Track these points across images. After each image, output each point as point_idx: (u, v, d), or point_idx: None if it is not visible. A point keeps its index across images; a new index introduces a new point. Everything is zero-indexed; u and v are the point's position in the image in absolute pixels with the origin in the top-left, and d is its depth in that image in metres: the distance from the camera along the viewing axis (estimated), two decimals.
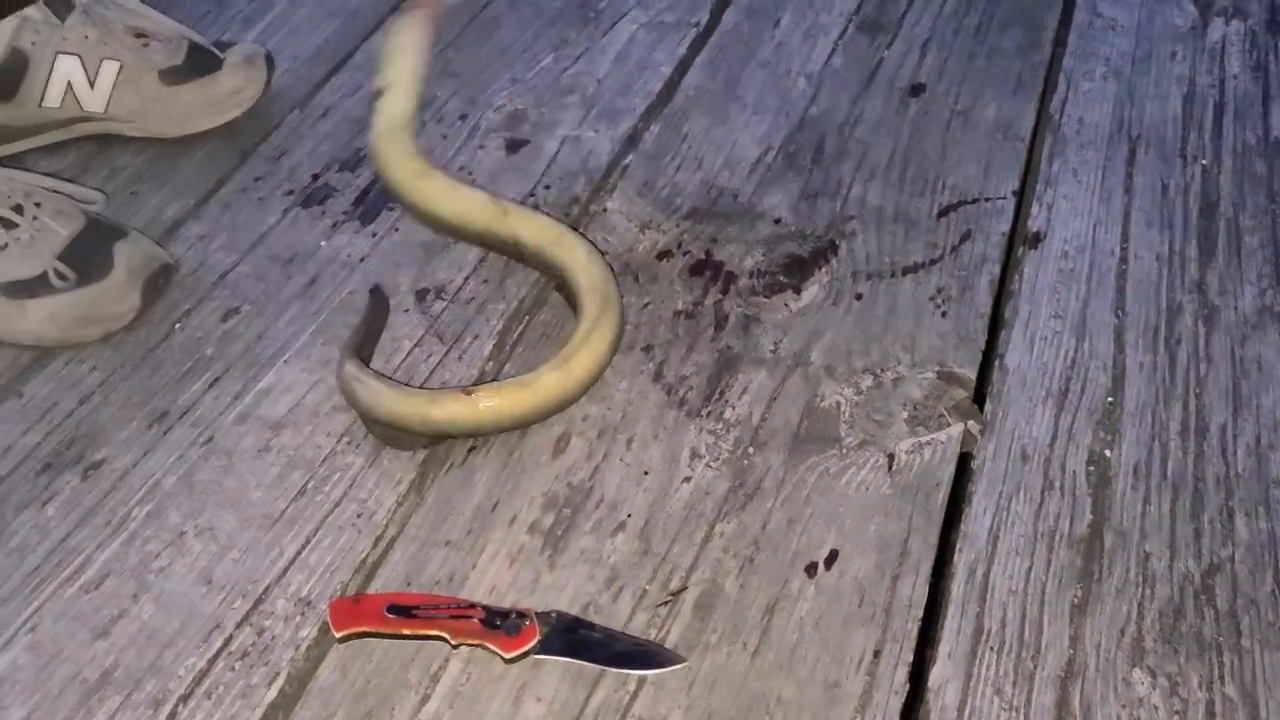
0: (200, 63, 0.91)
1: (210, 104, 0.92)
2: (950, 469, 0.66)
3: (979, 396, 0.70)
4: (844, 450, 0.68)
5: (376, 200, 0.88)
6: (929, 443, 0.68)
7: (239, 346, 0.77)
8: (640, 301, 0.78)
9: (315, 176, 0.91)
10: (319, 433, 0.71)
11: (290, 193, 0.89)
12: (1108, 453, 0.66)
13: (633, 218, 0.85)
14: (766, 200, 0.85)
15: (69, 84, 0.87)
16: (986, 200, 0.83)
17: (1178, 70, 0.93)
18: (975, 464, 0.67)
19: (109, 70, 0.87)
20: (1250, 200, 0.81)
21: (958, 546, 0.62)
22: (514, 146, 0.92)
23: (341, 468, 0.69)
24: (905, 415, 0.69)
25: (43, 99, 0.87)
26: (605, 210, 0.86)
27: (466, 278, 0.81)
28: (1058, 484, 0.65)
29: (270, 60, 0.96)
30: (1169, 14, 0.99)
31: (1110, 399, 0.69)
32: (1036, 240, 0.80)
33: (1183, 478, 0.65)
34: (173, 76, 0.90)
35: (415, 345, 0.76)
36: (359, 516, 0.66)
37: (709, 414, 0.71)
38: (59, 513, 0.67)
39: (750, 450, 0.68)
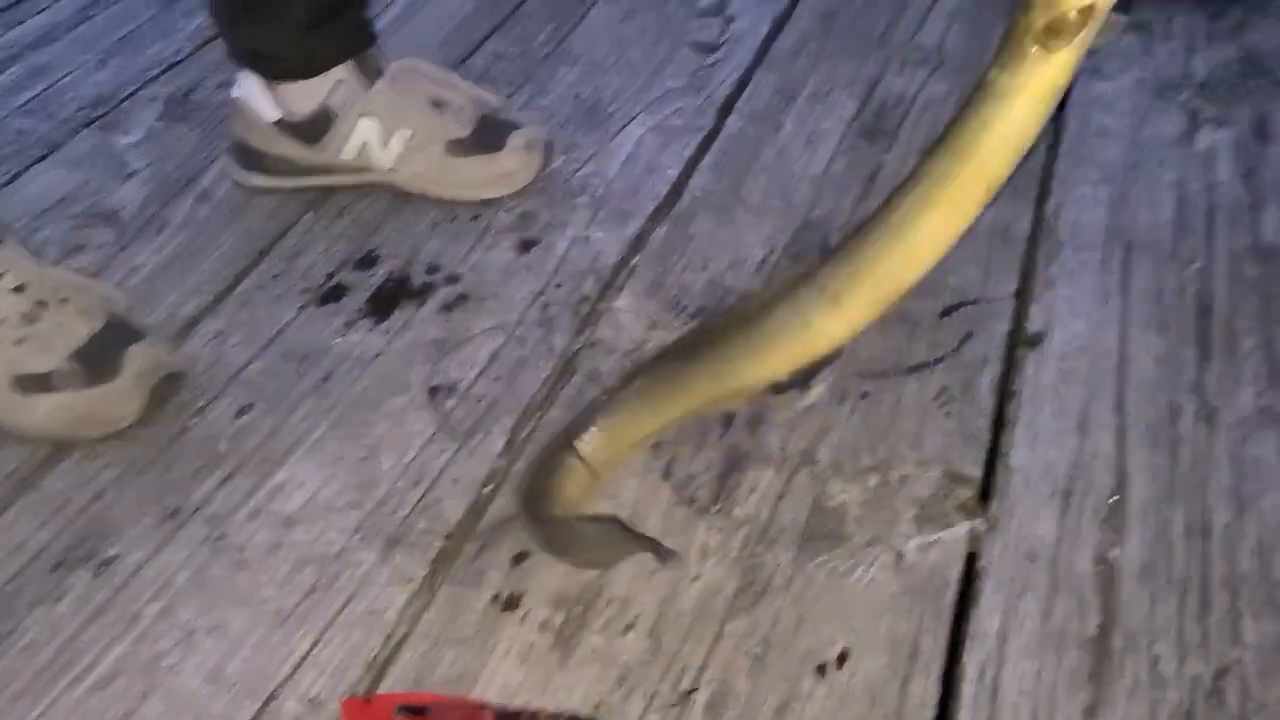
0: (485, 139, 0.99)
1: (485, 179, 1.00)
2: (958, 568, 0.67)
3: (984, 495, 0.71)
4: (852, 548, 0.68)
5: (388, 298, 0.90)
6: (936, 541, 0.68)
7: (252, 443, 0.78)
8: None
9: (330, 275, 0.93)
10: (331, 529, 0.72)
11: (305, 290, 0.91)
12: (1114, 553, 0.67)
13: (641, 316, 0.87)
14: None
15: (365, 142, 0.98)
16: (987, 301, 0.85)
17: (1169, 176, 0.96)
18: (982, 563, 0.67)
19: (400, 136, 0.97)
20: (1244, 303, 0.83)
21: (967, 647, 0.63)
22: (525, 246, 0.95)
23: (353, 564, 0.69)
24: (912, 514, 0.70)
25: (341, 150, 0.98)
26: (614, 309, 0.88)
27: (479, 375, 0.82)
28: (1065, 584, 0.65)
29: (550, 148, 1.02)
30: (1159, 122, 1.03)
31: (1114, 498, 0.70)
32: (1036, 341, 0.82)
33: (1189, 579, 0.65)
34: (457, 148, 0.98)
35: (427, 442, 0.77)
36: (370, 614, 0.66)
37: (718, 511, 0.71)
38: (70, 610, 0.67)
39: (759, 548, 0.69)
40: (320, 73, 0.96)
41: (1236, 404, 0.76)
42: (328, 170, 1.00)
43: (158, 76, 1.21)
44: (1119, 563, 0.66)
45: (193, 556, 0.70)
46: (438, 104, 0.99)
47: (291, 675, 0.63)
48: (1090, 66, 1.11)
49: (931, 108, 1.08)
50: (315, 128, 0.98)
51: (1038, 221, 0.93)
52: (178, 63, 1.24)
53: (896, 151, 1.02)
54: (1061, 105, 1.06)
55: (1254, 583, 0.65)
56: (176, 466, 0.77)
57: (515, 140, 0.99)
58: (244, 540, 0.71)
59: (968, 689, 0.61)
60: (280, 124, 0.98)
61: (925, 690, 0.60)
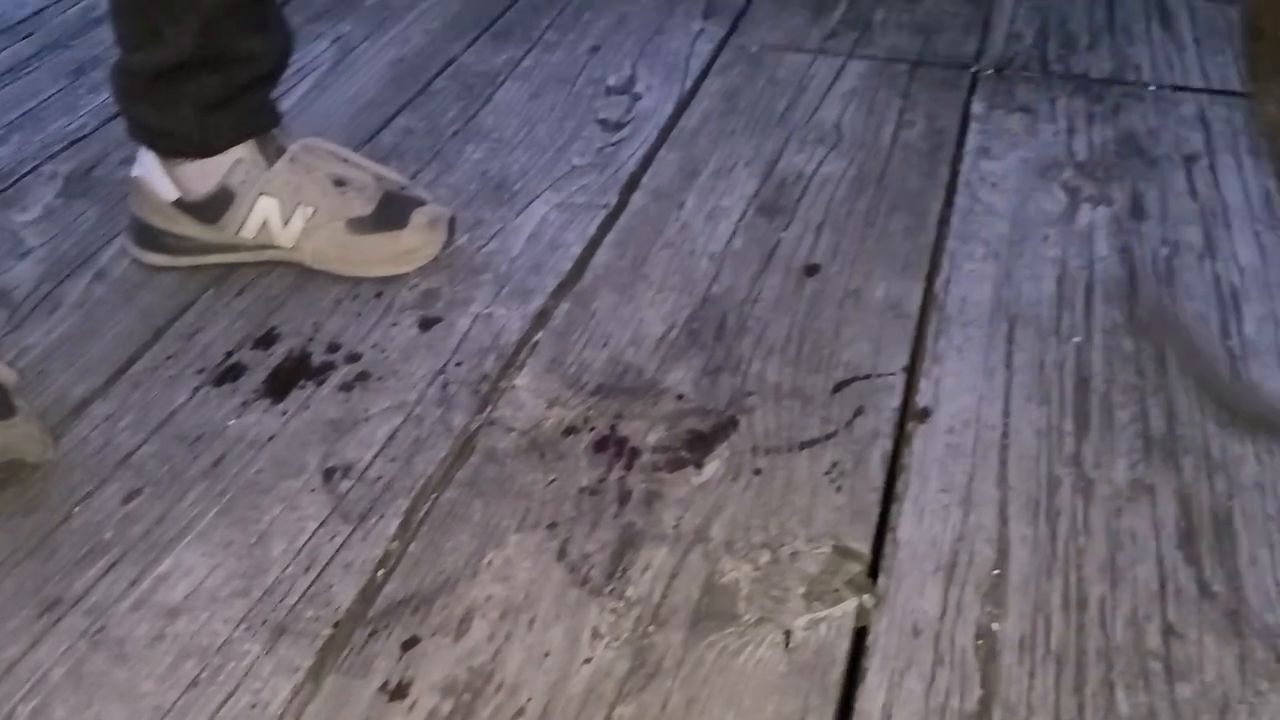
0: (388, 217, 1.00)
1: (387, 257, 1.00)
2: (846, 644, 0.68)
3: (873, 570, 0.72)
4: (742, 627, 0.69)
5: (287, 378, 0.89)
6: (825, 618, 0.69)
7: (139, 529, 0.77)
8: (546, 479, 0.80)
9: (228, 354, 0.92)
10: (216, 619, 0.70)
11: (201, 371, 0.90)
12: (995, 626, 0.68)
13: (541, 394, 0.87)
14: (670, 376, 0.89)
15: (265, 221, 0.98)
16: (878, 376, 0.87)
17: (1051, 252, 1.00)
18: (870, 639, 0.68)
19: (301, 214, 0.98)
20: (1120, 376, 0.86)
21: None
22: (427, 324, 0.95)
23: (237, 656, 0.68)
24: (802, 591, 0.71)
25: (240, 229, 0.99)
26: (514, 387, 0.88)
27: (375, 456, 0.82)
28: (948, 658, 0.67)
29: (453, 224, 1.04)
30: (1041, 200, 1.07)
31: (996, 571, 0.72)
32: (925, 415, 0.84)
33: (1066, 650, 0.67)
34: (359, 226, 0.99)
35: (320, 525, 0.77)
36: (253, 708, 0.65)
37: (611, 592, 0.72)
38: None
39: (651, 629, 0.69)
40: (219, 152, 0.97)
41: (1112, 476, 0.78)
42: (228, 249, 1.00)
43: (59, 152, 1.20)
44: (1000, 636, 0.68)
45: (70, 650, 0.69)
46: (339, 182, 1.00)
47: None
48: (978, 146, 1.16)
49: (828, 185, 1.11)
50: (214, 207, 0.98)
51: (928, 296, 0.96)
52: (81, 138, 1.23)
53: (794, 229, 1.05)
54: (951, 184, 1.10)
55: (1127, 654, 0.67)
56: (58, 555, 0.75)
57: (418, 218, 1.00)
58: (125, 633, 0.70)
59: None
60: (179, 203, 0.98)
61: None
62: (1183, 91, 1.23)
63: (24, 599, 0.72)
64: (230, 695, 0.66)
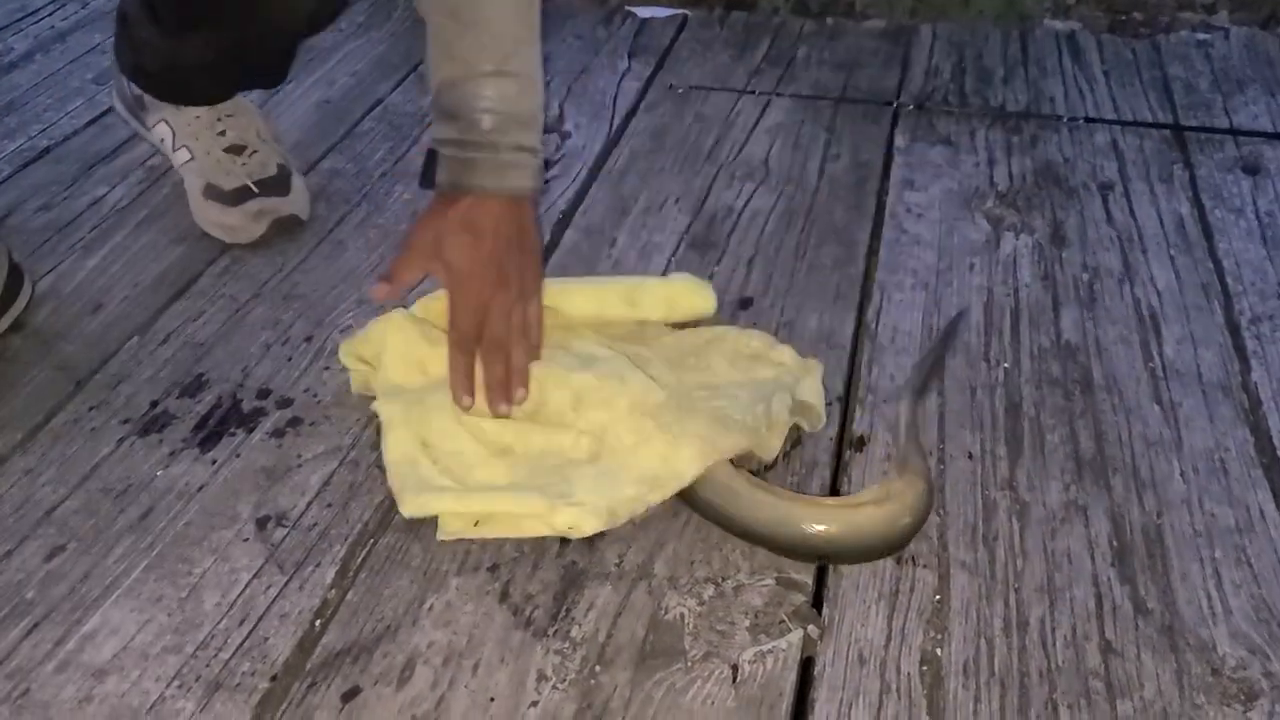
0: (235, 194, 1.07)
1: (211, 223, 1.09)
2: (793, 676, 0.68)
3: (817, 601, 0.73)
4: (689, 663, 0.68)
5: (216, 426, 0.87)
6: (771, 650, 0.69)
7: (63, 588, 0.74)
8: None
9: (154, 404, 0.90)
10: (146, 678, 0.68)
11: (126, 421, 0.88)
12: (938, 651, 0.69)
13: None
14: None
15: (163, 139, 1.14)
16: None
17: (976, 280, 1.02)
18: (816, 670, 0.68)
19: (181, 155, 1.11)
20: (1049, 400, 0.88)
21: None
22: None
23: (170, 715, 0.66)
24: (747, 623, 0.71)
25: (150, 131, 1.16)
26: None
27: (309, 503, 0.80)
28: (894, 686, 0.67)
29: (293, 223, 1.10)
30: (965, 230, 1.09)
31: (937, 597, 0.72)
32: (861, 444, 0.85)
33: (1009, 673, 0.67)
34: (209, 192, 1.08)
35: (254, 576, 0.75)
36: None
37: (555, 633, 0.71)
38: None
39: (597, 669, 0.68)
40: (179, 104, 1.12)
41: (1046, 498, 0.80)
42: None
43: None
44: (944, 661, 0.68)
45: None
46: (235, 149, 1.09)
47: None
48: (902, 178, 1.18)
49: (758, 219, 1.12)
50: (140, 105, 1.16)
51: (859, 327, 0.97)
52: None
53: (726, 263, 1.05)
54: (878, 215, 1.12)
55: (1069, 674, 0.67)
56: None
57: (251, 205, 1.07)
58: (50, 696, 0.67)
59: None
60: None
61: None
62: (1096, 123, 1.27)
63: None
64: None
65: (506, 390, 0.81)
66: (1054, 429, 0.85)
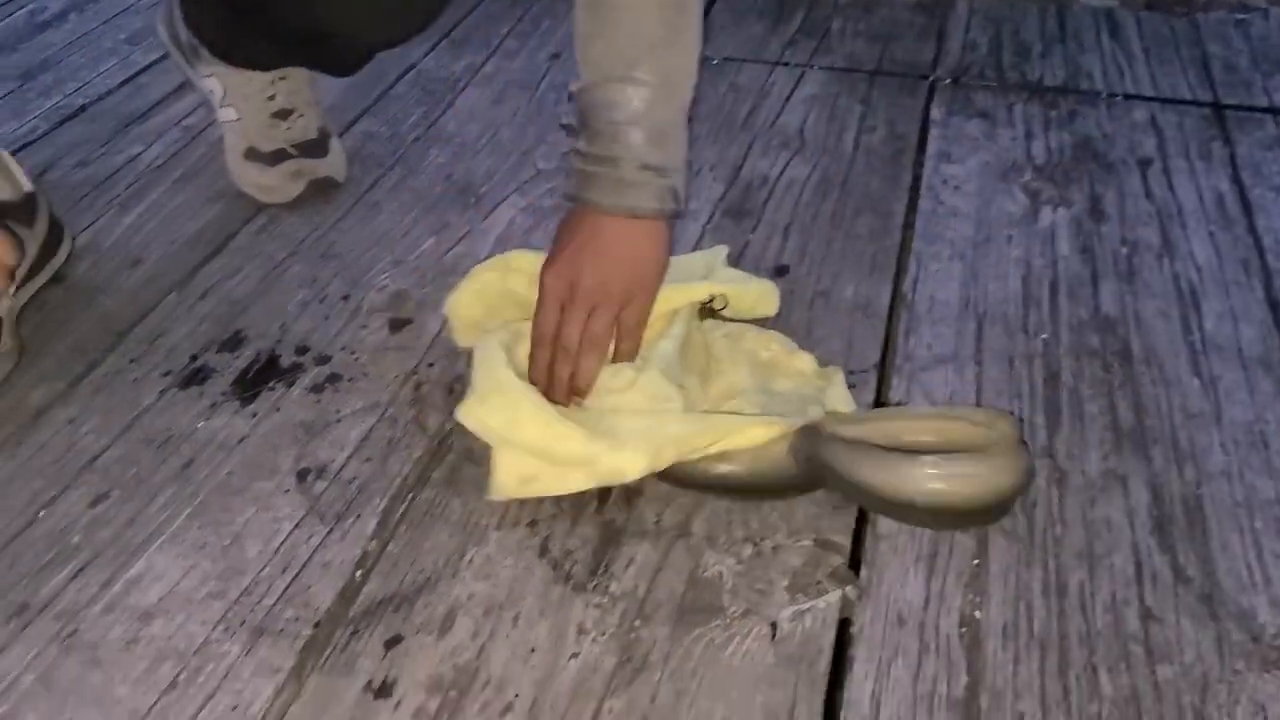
0: (274, 155, 1.08)
1: (249, 183, 1.10)
2: (831, 635, 0.68)
3: (854, 563, 0.73)
4: (728, 620, 0.69)
5: (256, 380, 0.88)
6: (809, 610, 0.69)
7: (108, 533, 0.75)
8: None
9: (194, 358, 0.90)
10: (192, 621, 0.69)
11: (167, 374, 0.88)
12: (977, 614, 0.69)
13: None
14: None
15: (211, 91, 1.10)
16: (850, 373, 0.87)
17: (1014, 253, 1.02)
18: (854, 629, 0.68)
19: (227, 113, 1.09)
20: (1088, 371, 0.88)
21: (842, 714, 0.63)
22: (397, 326, 0.94)
23: (216, 657, 0.66)
24: (785, 583, 0.71)
25: (201, 83, 1.12)
26: None
27: (349, 457, 0.81)
28: (933, 646, 0.67)
29: (328, 185, 1.11)
30: (1003, 202, 1.09)
31: (976, 561, 0.73)
32: None
33: (1048, 636, 0.68)
34: (250, 154, 1.08)
35: (295, 526, 0.75)
36: (234, 710, 0.64)
37: (595, 588, 0.71)
38: None
39: (636, 623, 0.69)
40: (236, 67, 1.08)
41: (1085, 467, 0.79)
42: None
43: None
44: (983, 624, 0.68)
45: (41, 656, 0.67)
46: (281, 114, 1.08)
47: None
48: (939, 150, 1.17)
49: (793, 188, 1.12)
50: (194, 54, 1.11)
51: (896, 296, 0.97)
52: (32, 142, 1.20)
53: (761, 231, 1.05)
54: (914, 187, 1.12)
55: (1108, 638, 0.67)
56: (23, 560, 0.73)
57: (289, 165, 1.08)
58: (97, 637, 0.68)
59: None
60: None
61: None
62: (1134, 99, 1.26)
63: None
64: (210, 697, 0.64)
65: (566, 396, 0.80)
66: (1093, 399, 0.85)
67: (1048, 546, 0.74)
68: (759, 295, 0.92)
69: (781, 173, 1.14)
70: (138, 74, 1.33)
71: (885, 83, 1.31)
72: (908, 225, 1.06)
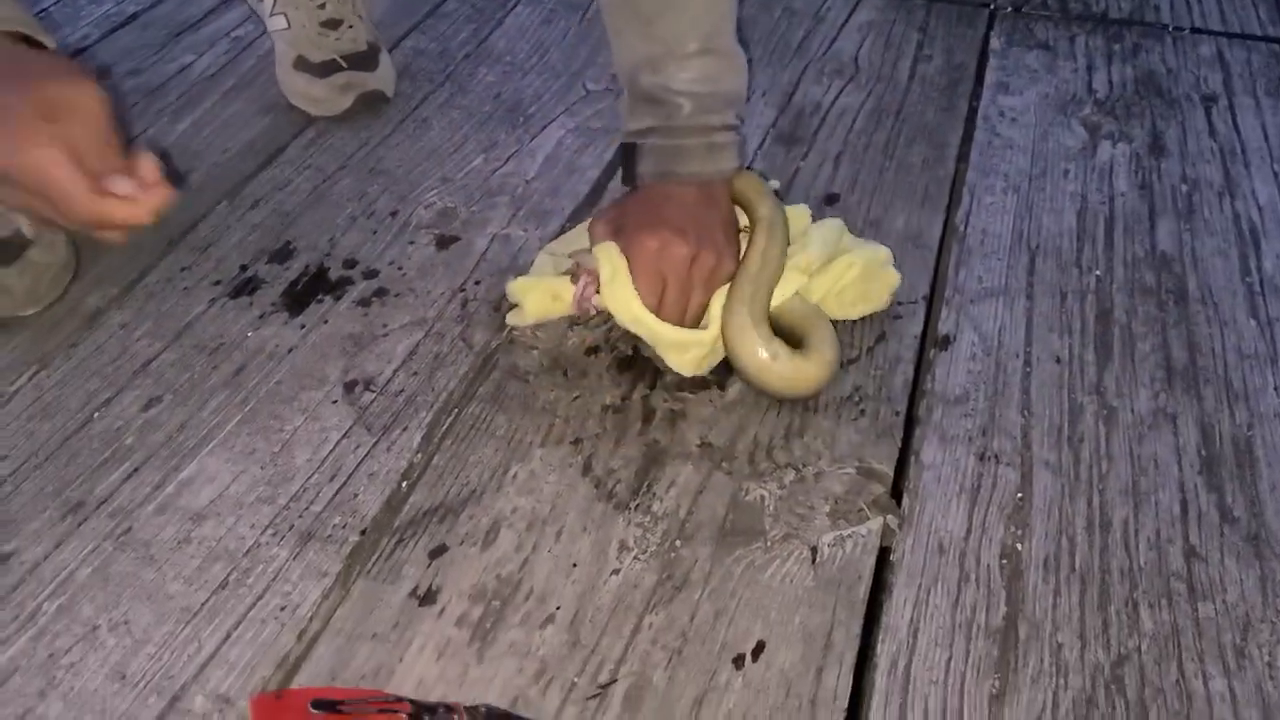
0: (323, 67, 1.07)
1: (297, 93, 1.10)
2: (871, 561, 0.68)
3: (896, 491, 0.73)
4: (769, 543, 0.69)
5: (305, 292, 0.88)
6: (850, 536, 0.70)
7: (160, 436, 0.76)
8: (570, 395, 0.79)
9: (244, 268, 0.91)
10: (242, 524, 0.70)
11: (218, 283, 0.89)
12: (1019, 546, 0.69)
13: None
14: None
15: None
16: (899, 304, 0.87)
17: (1071, 187, 1.00)
18: (894, 557, 0.69)
19: (276, 21, 1.10)
20: (1141, 309, 0.86)
21: (880, 638, 0.64)
22: (444, 243, 0.94)
23: (265, 560, 0.68)
24: (827, 509, 0.71)
25: None
26: None
27: (396, 370, 0.82)
28: (973, 576, 0.67)
29: (377, 99, 1.10)
30: (1061, 135, 1.06)
31: (1020, 495, 0.72)
32: (946, 343, 0.84)
33: (1090, 570, 0.68)
34: (299, 64, 1.08)
35: (343, 436, 0.76)
36: (282, 610, 0.65)
37: (637, 507, 0.72)
38: None
39: (678, 543, 0.69)
40: None
41: (1134, 405, 0.79)
42: None
43: None
44: (1024, 556, 0.68)
45: (96, 551, 0.68)
46: (331, 23, 1.08)
47: (200, 672, 0.62)
48: (996, 81, 1.15)
49: (846, 116, 1.10)
50: None
51: (948, 228, 0.95)
52: (84, 48, 1.20)
53: (812, 159, 1.04)
54: (970, 118, 1.09)
55: (1150, 574, 0.67)
56: (79, 459, 0.74)
57: (338, 78, 1.07)
58: (150, 535, 0.69)
59: (879, 679, 0.62)
60: None
61: (839, 681, 0.62)
62: (1200, 34, 1.22)
63: (45, 501, 0.71)
64: (259, 598, 0.66)
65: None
66: (1145, 337, 0.84)
67: (1093, 482, 0.73)
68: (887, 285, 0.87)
69: (835, 100, 1.13)
70: None
71: (944, 10, 1.28)
72: (962, 157, 1.05)
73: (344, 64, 1.07)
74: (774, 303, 0.79)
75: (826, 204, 0.98)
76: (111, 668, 0.62)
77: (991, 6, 1.28)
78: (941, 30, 1.25)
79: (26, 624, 0.64)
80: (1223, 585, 0.67)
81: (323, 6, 1.08)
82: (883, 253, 0.85)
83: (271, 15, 1.09)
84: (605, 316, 0.82)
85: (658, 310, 0.78)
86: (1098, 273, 0.90)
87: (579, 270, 0.80)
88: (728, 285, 0.79)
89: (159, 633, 0.64)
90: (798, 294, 0.81)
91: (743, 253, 0.80)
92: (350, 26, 1.09)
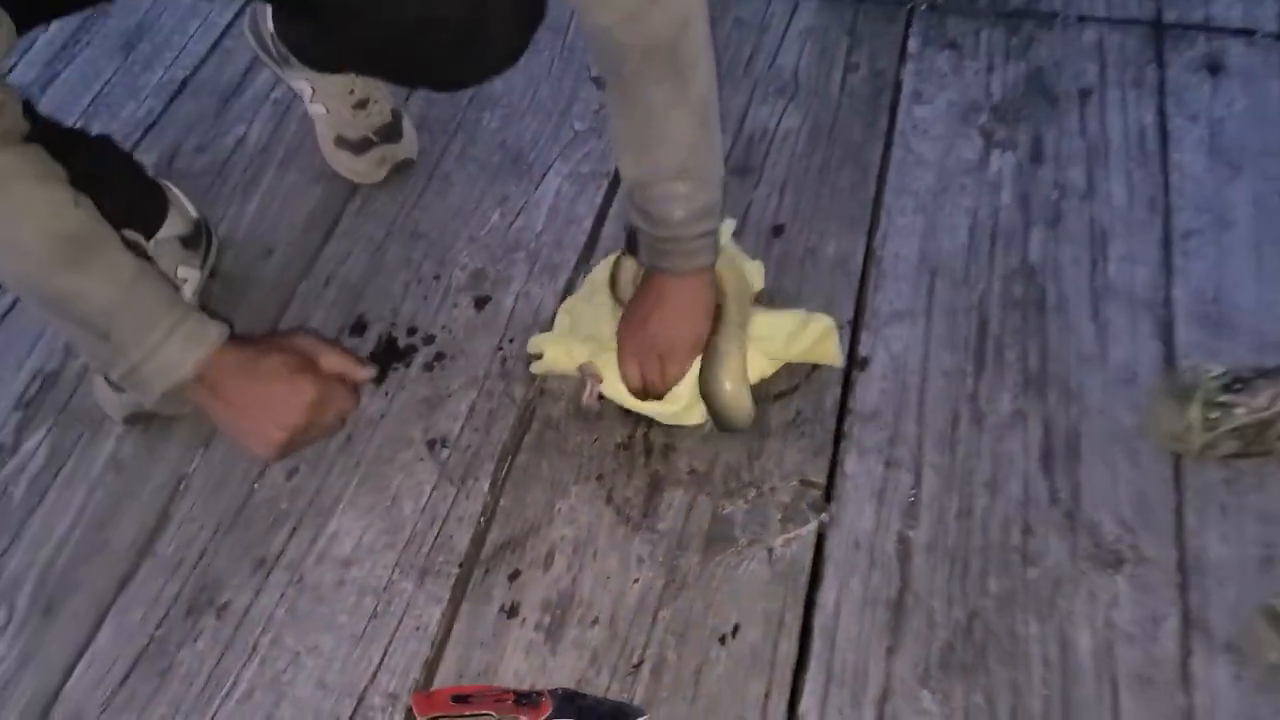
0: (361, 143, 1.32)
1: (342, 166, 1.35)
2: (809, 557, 1.00)
3: (828, 497, 1.04)
4: (739, 548, 1.01)
5: (382, 362, 1.17)
6: (795, 538, 1.01)
7: (304, 500, 1.07)
8: (590, 438, 1.09)
9: None
10: (379, 566, 1.02)
11: None
12: (910, 535, 1.00)
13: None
14: None
15: (300, 89, 1.33)
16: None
17: (966, 202, 1.25)
18: (825, 552, 1.00)
19: (316, 109, 1.33)
20: (1009, 320, 1.14)
21: (815, 615, 0.96)
22: (480, 304, 1.21)
23: (398, 593, 1.00)
24: (779, 517, 1.02)
25: (293, 84, 1.35)
26: None
27: (462, 427, 1.11)
28: (879, 562, 0.99)
29: (406, 165, 1.36)
30: (962, 148, 1.30)
31: (913, 493, 1.03)
32: (865, 364, 1.12)
33: (957, 550, 0.99)
34: (340, 142, 1.33)
35: (433, 489, 1.07)
36: (417, 629, 0.98)
37: (646, 527, 1.03)
38: (206, 646, 0.98)
39: (677, 553, 1.01)
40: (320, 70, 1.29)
41: (999, 408, 1.08)
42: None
43: (138, 141, 1.41)
44: (913, 542, 1.00)
45: (284, 596, 1.01)
46: (361, 104, 1.30)
47: (374, 679, 0.95)
48: (912, 90, 1.37)
49: (789, 140, 1.33)
50: (285, 60, 1.31)
51: (868, 252, 1.22)
52: (152, 124, 1.44)
53: (762, 189, 1.29)
54: (889, 130, 1.33)
55: (997, 549, 0.99)
56: (254, 524, 1.06)
57: (375, 153, 1.32)
58: (317, 580, 1.01)
59: (816, 644, 0.95)
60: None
61: (789, 649, 0.94)
62: (1087, 21, 1.43)
63: (239, 559, 1.03)
64: (400, 621, 0.98)
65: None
66: (1011, 347, 1.12)
67: (964, 478, 1.04)
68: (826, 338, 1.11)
69: (779, 123, 1.36)
70: (220, 38, 1.53)
71: (870, 10, 1.49)
72: (881, 177, 1.29)
73: (375, 138, 1.31)
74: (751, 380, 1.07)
75: (774, 235, 1.24)
76: (315, 681, 0.95)
77: (910, 4, 1.48)
78: (868, 32, 1.45)
79: (252, 655, 0.97)
80: (1046, 553, 0.98)
81: (352, 92, 1.30)
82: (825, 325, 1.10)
83: (311, 103, 1.32)
84: (606, 402, 1.10)
85: (642, 386, 1.06)
86: (981, 288, 1.17)
87: (584, 375, 1.08)
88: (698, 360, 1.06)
89: (340, 653, 0.97)
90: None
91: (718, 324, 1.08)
92: (376, 102, 1.32)
